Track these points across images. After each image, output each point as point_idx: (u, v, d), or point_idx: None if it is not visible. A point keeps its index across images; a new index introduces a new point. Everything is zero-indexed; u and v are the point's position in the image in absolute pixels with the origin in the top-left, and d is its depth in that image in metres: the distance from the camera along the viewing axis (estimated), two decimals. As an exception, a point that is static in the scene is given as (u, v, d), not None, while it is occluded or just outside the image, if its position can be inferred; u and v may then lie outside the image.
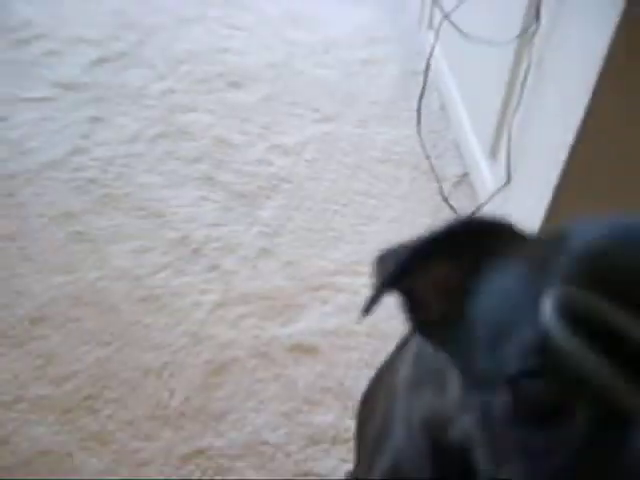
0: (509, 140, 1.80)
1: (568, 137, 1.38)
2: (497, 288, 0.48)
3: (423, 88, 2.41)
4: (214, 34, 3.05)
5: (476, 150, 2.25)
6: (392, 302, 1.68)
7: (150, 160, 2.32)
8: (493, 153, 2.08)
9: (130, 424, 1.60)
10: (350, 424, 1.60)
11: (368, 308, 0.63)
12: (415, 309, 0.61)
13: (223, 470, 1.53)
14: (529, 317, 0.41)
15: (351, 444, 1.57)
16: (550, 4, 1.60)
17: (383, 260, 0.64)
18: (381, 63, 2.90)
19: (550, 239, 0.47)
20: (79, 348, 1.76)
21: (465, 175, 2.35)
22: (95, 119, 2.50)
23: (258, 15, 3.25)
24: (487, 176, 2.12)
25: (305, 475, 1.53)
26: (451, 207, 2.19)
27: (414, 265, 0.57)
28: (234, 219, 2.10)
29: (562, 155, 1.42)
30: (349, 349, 1.77)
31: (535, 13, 1.65)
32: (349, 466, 1.53)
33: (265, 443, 1.58)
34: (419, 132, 2.45)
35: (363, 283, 1.93)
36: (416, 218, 2.18)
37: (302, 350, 1.76)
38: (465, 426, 0.50)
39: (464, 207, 2.18)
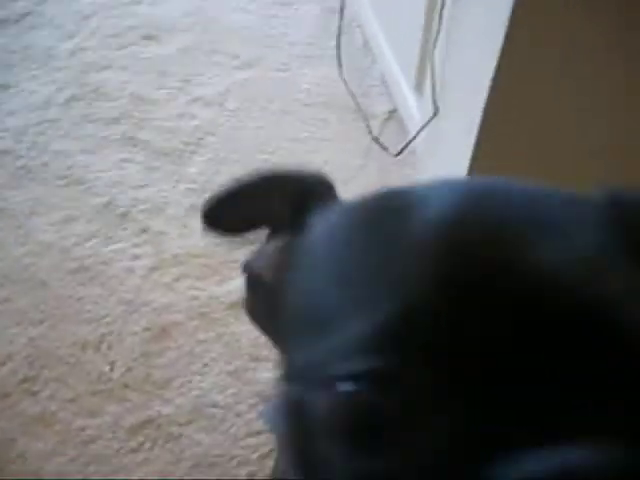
0: (433, 72, 1.78)
1: (490, 64, 1.36)
2: (322, 259, 0.38)
3: (340, 25, 2.36)
4: (121, -15, 2.93)
5: (402, 85, 2.23)
6: None
7: (65, 125, 2.23)
8: (419, 86, 2.06)
9: (72, 402, 1.56)
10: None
11: None
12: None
13: (174, 437, 1.52)
14: (366, 303, 0.31)
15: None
16: None
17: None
18: (300, 3, 2.82)
19: (388, 203, 0.38)
20: (11, 329, 1.71)
21: (393, 111, 2.32)
22: (2, 87, 2.39)
23: (166, -39, 3.12)
24: (415, 111, 2.10)
25: (259, 434, 1.53)
26: (381, 145, 2.17)
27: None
28: (159, 179, 2.05)
29: (486, 82, 1.40)
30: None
31: (448, -63, 1.61)
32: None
33: (214, 405, 1.57)
34: (342, 71, 2.41)
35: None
36: (348, 159, 2.16)
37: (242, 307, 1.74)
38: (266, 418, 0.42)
39: (394, 144, 2.16)
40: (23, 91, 2.38)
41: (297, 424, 0.34)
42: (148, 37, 2.63)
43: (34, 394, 1.60)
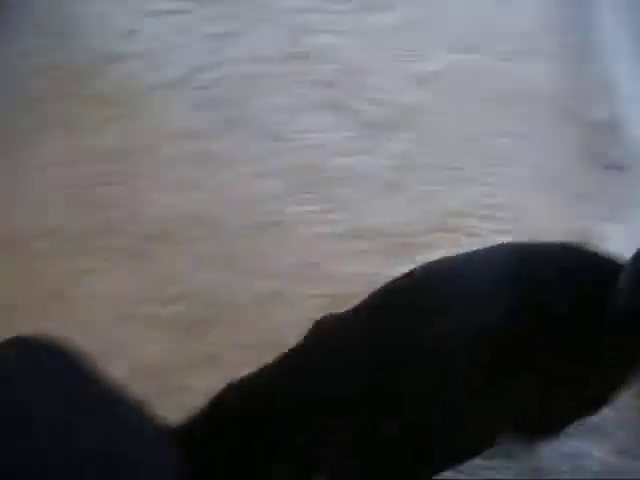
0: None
1: None
2: None
3: (568, 19, 2.25)
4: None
5: (625, 91, 2.09)
6: None
7: (279, 82, 2.29)
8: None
9: (241, 349, 1.61)
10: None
11: None
12: None
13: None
14: None
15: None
16: None
17: None
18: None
19: None
20: (192, 270, 1.80)
21: (614, 119, 2.19)
22: (225, 35, 2.49)
23: None
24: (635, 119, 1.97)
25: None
26: (595, 155, 2.05)
27: None
28: (361, 149, 2.06)
29: None
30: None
31: None
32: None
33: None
34: (562, 69, 2.29)
35: (494, 229, 1.86)
36: (554, 164, 2.06)
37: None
38: None
39: (609, 156, 2.04)
40: (244, 42, 2.47)
41: None
42: (371, 7, 2.64)
43: (204, 335, 1.67)
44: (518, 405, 0.94)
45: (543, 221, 1.86)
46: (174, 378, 1.61)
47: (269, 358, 1.56)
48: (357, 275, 1.75)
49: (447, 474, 1.17)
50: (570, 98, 2.24)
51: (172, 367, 1.63)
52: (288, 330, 1.62)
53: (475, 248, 1.80)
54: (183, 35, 2.52)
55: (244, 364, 1.57)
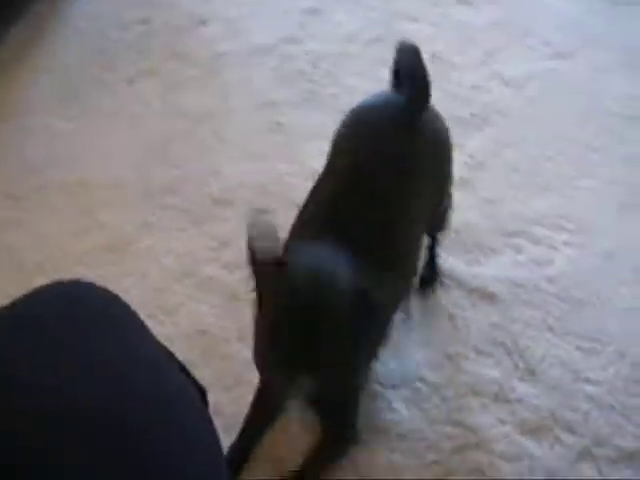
0: None
1: None
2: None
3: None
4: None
5: None
6: (593, 267, 1.51)
7: (362, 63, 2.28)
8: None
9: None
10: (517, 386, 1.54)
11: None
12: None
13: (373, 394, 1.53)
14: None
15: (512, 408, 1.51)
16: None
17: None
18: (635, 4, 2.64)
19: None
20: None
21: None
22: (314, 10, 2.48)
23: None
24: None
25: (455, 424, 1.49)
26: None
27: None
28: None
29: None
30: (533, 307, 1.68)
31: None
32: (504, 429, 1.47)
33: (422, 380, 1.55)
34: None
35: (564, 240, 1.82)
36: (633, 182, 2.00)
37: (482, 295, 1.69)
38: None
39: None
40: (332, 20, 2.46)
41: None
42: (463, 2, 2.60)
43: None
44: None
45: (612, 240, 1.82)
46: (220, 346, 1.62)
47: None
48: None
49: None
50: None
51: (221, 335, 1.63)
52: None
53: (537, 255, 1.79)
54: (274, 5, 2.52)
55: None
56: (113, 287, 1.70)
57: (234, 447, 1.42)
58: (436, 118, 1.50)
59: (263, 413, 1.47)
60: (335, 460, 1.43)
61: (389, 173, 1.33)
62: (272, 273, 1.13)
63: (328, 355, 1.12)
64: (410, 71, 1.45)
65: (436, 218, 1.57)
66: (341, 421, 1.43)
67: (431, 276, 1.70)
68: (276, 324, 1.13)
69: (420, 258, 1.55)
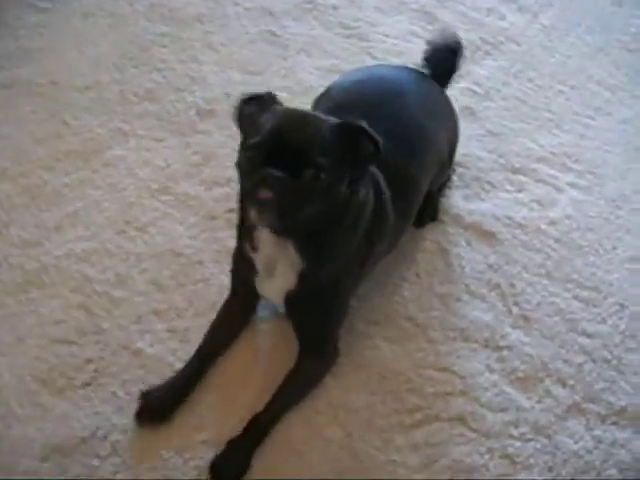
0: None
1: None
2: (259, 122, 1.18)
3: None
4: None
5: None
6: (599, 212, 1.38)
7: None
8: None
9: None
10: (509, 333, 1.47)
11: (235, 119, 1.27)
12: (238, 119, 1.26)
13: (355, 330, 1.45)
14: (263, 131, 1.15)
15: (503, 355, 1.44)
16: None
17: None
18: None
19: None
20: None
21: None
22: None
23: None
24: None
25: (443, 369, 1.41)
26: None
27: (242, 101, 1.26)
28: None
29: None
30: (532, 249, 1.59)
31: None
32: (492, 377, 1.41)
33: (410, 319, 1.47)
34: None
35: (570, 181, 1.72)
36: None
37: (479, 232, 1.60)
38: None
39: None
40: None
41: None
42: None
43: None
44: None
45: (621, 185, 1.73)
46: (194, 268, 1.52)
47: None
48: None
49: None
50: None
51: (195, 257, 1.54)
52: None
53: (540, 195, 1.70)
54: None
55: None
56: (80, 197, 1.61)
57: (191, 360, 1.37)
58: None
59: (229, 321, 1.42)
60: (312, 381, 1.37)
61: (423, 107, 1.46)
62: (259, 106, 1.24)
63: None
64: (444, 63, 1.59)
65: (437, 180, 1.57)
66: (321, 337, 1.37)
67: (430, 215, 1.61)
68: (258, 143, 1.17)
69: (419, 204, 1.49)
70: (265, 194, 1.12)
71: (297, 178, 1.13)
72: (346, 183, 1.20)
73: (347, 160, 1.19)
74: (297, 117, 1.22)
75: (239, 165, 1.21)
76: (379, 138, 1.19)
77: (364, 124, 1.20)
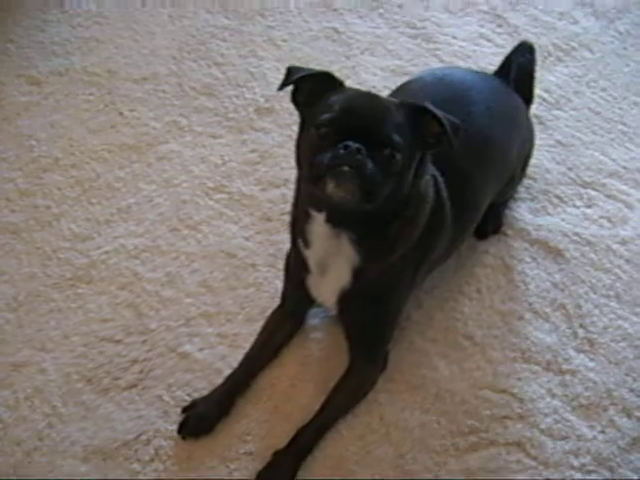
0: None
1: None
2: (328, 100, 1.17)
3: None
4: None
5: None
6: None
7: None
8: None
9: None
10: (573, 356, 1.40)
11: (281, 87, 1.23)
12: (296, 95, 1.24)
13: (412, 346, 1.40)
14: (334, 108, 1.15)
15: (565, 380, 1.38)
16: None
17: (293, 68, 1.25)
18: None
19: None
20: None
21: None
22: None
23: None
24: None
25: (501, 391, 1.36)
26: None
27: (304, 76, 1.23)
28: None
29: None
30: (600, 269, 1.53)
31: None
32: (553, 402, 1.35)
33: (469, 337, 1.41)
34: None
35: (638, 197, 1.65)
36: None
37: (545, 249, 1.54)
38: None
39: None
40: None
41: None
42: None
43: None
44: None
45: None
46: (247, 271, 1.49)
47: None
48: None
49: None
50: None
51: (249, 259, 1.51)
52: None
53: (610, 212, 1.63)
54: None
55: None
56: (133, 192, 1.59)
57: (237, 370, 1.35)
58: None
59: (277, 330, 1.39)
60: (362, 388, 1.34)
61: (495, 116, 1.42)
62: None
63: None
64: (522, 68, 1.57)
65: (505, 192, 1.54)
66: (373, 340, 1.34)
67: (492, 227, 1.56)
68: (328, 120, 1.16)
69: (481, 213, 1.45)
70: (349, 163, 1.10)
71: (377, 153, 1.12)
72: (413, 168, 1.18)
73: (415, 141, 1.17)
74: (368, 97, 1.21)
75: (303, 144, 1.20)
76: (445, 117, 1.17)
77: (429, 104, 1.18)
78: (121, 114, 1.75)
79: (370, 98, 1.21)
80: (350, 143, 1.11)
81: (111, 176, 1.63)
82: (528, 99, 1.56)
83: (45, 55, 1.89)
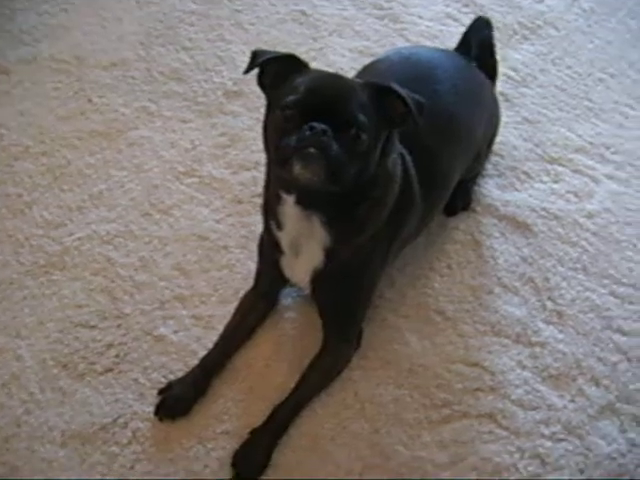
0: None
1: None
2: (293, 82, 1.18)
3: None
4: None
5: None
6: (638, 206, 1.33)
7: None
8: None
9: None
10: (542, 328, 1.44)
11: (246, 70, 1.24)
12: (262, 78, 1.25)
13: (385, 323, 1.43)
14: (299, 90, 1.16)
15: (535, 352, 1.41)
16: None
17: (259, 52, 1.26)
18: None
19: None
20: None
21: None
22: None
23: None
24: None
25: (473, 364, 1.39)
26: None
27: (269, 59, 1.23)
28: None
29: None
30: (567, 242, 1.56)
31: None
32: (523, 373, 1.38)
33: (440, 313, 1.44)
34: None
35: (608, 173, 1.69)
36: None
37: (514, 224, 1.57)
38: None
39: None
40: None
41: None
42: None
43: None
44: None
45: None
46: (220, 254, 1.51)
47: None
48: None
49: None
50: None
51: (221, 242, 1.53)
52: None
53: (577, 187, 1.67)
54: None
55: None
56: (104, 178, 1.60)
57: (212, 352, 1.37)
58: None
59: (251, 310, 1.41)
60: (336, 366, 1.36)
61: (460, 93, 1.44)
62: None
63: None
64: (482, 44, 1.59)
65: (472, 169, 1.56)
66: (346, 319, 1.36)
67: (462, 204, 1.59)
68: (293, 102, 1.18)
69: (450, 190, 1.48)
70: (315, 144, 1.11)
71: (342, 134, 1.13)
72: (379, 148, 1.20)
73: (380, 121, 1.19)
74: (333, 78, 1.23)
75: (269, 126, 1.21)
76: (409, 96, 1.18)
77: (393, 84, 1.19)
78: (90, 101, 1.76)
79: (334, 79, 1.23)
80: (315, 124, 1.13)
81: (82, 163, 1.64)
82: (492, 75, 1.58)
83: (13, 44, 1.88)
